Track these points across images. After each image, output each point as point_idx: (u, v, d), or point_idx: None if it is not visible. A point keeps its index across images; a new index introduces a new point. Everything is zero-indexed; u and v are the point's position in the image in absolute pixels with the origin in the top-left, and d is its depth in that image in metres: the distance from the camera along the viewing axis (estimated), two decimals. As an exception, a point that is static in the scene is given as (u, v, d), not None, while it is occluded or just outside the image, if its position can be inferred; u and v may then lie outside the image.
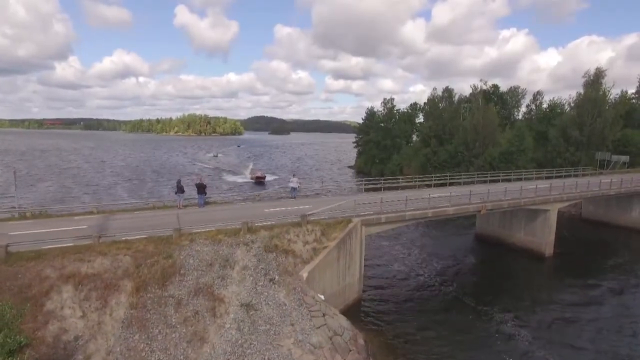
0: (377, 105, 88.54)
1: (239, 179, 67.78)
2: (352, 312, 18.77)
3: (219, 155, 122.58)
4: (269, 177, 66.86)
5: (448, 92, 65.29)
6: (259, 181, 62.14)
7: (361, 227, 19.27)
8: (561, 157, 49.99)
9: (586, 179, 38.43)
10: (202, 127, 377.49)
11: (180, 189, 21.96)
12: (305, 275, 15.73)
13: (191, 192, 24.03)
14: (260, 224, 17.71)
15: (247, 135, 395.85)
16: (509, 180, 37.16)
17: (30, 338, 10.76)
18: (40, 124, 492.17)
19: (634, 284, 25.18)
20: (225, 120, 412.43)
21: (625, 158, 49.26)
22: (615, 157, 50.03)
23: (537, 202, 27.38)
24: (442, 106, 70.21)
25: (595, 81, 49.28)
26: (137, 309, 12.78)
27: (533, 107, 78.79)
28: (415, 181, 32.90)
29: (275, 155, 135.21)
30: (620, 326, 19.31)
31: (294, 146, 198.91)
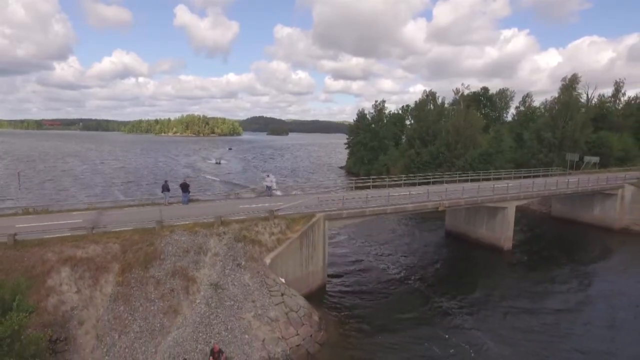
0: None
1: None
2: (316, 296, 21.40)
3: (222, 162, 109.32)
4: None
5: (432, 95, 67.92)
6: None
7: (324, 221, 21.93)
8: (535, 158, 52.69)
9: (554, 178, 41.04)
10: (200, 127, 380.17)
11: (166, 188, 24.65)
12: (268, 261, 18.42)
13: (177, 191, 26.69)
14: (233, 218, 20.40)
15: (245, 136, 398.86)
16: (488, 179, 39.61)
17: (36, 307, 13.40)
18: (39, 124, 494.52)
19: (581, 274, 27.41)
20: (223, 120, 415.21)
21: (595, 159, 51.93)
22: (587, 158, 52.69)
23: (495, 200, 30.04)
24: (429, 108, 73.01)
25: (570, 86, 52.00)
26: (122, 286, 15.44)
27: (522, 109, 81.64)
28: (401, 180, 35.55)
29: (273, 156, 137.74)
30: (562, 313, 21.33)
31: (290, 147, 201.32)
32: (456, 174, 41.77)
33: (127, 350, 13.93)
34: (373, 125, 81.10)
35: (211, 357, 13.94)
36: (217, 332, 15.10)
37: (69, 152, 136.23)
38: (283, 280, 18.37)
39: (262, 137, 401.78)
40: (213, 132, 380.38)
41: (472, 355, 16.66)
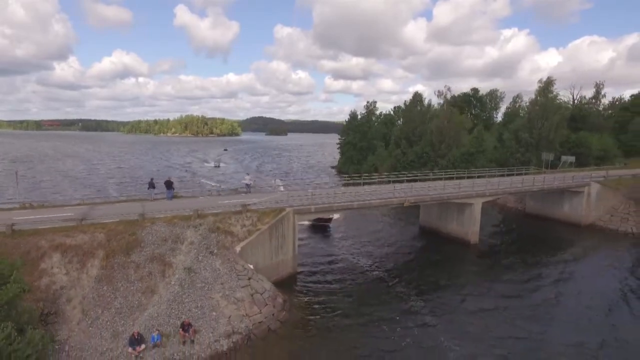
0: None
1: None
2: (286, 283, 23.62)
3: (221, 165, 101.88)
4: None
5: (418, 96, 70.16)
6: (321, 224, 36.60)
7: (293, 215, 24.14)
8: (513, 157, 54.94)
9: (520, 177, 43.22)
10: (199, 128, 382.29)
11: (152, 185, 26.91)
12: (238, 249, 20.65)
13: (163, 188, 28.88)
14: (209, 212, 22.64)
15: (244, 136, 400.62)
16: (472, 177, 41.23)
17: (30, 286, 15.63)
18: (39, 125, 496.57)
19: (542, 266, 29.19)
20: (222, 121, 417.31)
21: (571, 158, 54.13)
22: (564, 158, 54.94)
23: (460, 197, 32.23)
24: (417, 109, 75.16)
25: (545, 88, 54.24)
26: (106, 270, 17.68)
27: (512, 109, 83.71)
28: (389, 178, 37.74)
29: (270, 157, 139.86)
30: (513, 299, 23.16)
31: (288, 148, 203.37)
32: (441, 172, 43.95)
33: (108, 323, 16.15)
34: (365, 125, 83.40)
35: (181, 329, 16.17)
36: (188, 309, 17.33)
37: (67, 153, 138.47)
38: (251, 266, 20.58)
39: (261, 137, 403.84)
40: (212, 133, 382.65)
41: (417, 333, 18.72)
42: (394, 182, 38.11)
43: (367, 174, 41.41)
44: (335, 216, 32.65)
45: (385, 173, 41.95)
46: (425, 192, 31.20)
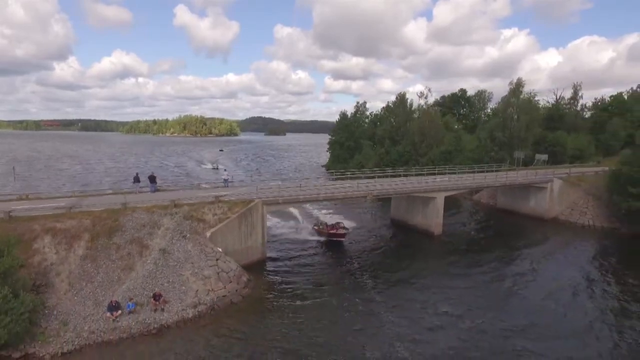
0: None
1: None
2: (255, 266, 26.34)
3: (220, 166, 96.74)
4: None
5: (401, 96, 72.91)
6: (334, 238, 32.58)
7: (262, 206, 26.94)
8: (488, 155, 57.70)
9: (497, 173, 46.02)
10: (198, 128, 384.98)
11: (137, 180, 29.74)
12: (208, 235, 23.46)
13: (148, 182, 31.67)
14: (186, 202, 25.45)
15: (242, 136, 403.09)
16: (452, 174, 44.55)
17: (24, 262, 18.44)
18: (38, 125, 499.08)
19: (500, 256, 31.34)
20: (221, 121, 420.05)
21: (544, 157, 56.89)
22: (537, 156, 57.73)
23: (422, 191, 35.02)
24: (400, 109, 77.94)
25: (516, 90, 56.99)
26: (91, 250, 20.49)
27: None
28: (375, 174, 40.60)
29: (266, 157, 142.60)
30: (469, 290, 24.64)
31: (285, 148, 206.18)
32: (423, 169, 46.92)
33: (91, 293, 18.97)
34: (354, 125, 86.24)
35: (153, 299, 18.99)
36: (161, 284, 20.14)
37: (66, 153, 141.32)
38: (220, 249, 23.37)
39: (260, 137, 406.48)
40: (210, 133, 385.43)
41: (366, 318, 20.67)
42: (378, 177, 40.99)
43: (352, 170, 44.30)
44: (348, 229, 32.99)
45: (369, 170, 44.77)
46: (388, 186, 33.97)
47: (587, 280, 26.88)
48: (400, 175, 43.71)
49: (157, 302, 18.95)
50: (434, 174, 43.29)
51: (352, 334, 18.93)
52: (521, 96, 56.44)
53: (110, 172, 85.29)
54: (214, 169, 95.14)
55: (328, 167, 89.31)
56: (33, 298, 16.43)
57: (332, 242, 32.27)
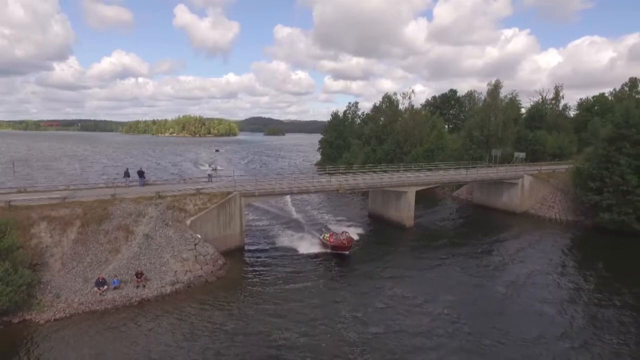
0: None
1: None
2: (234, 253, 28.91)
3: (218, 167, 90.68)
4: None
5: (387, 97, 75.59)
6: (339, 251, 30.07)
7: (240, 197, 29.55)
8: (467, 153, 60.32)
9: (474, 170, 48.66)
10: (196, 128, 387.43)
11: (127, 174, 32.35)
12: (188, 222, 26.08)
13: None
14: (170, 194, 28.07)
15: (241, 137, 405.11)
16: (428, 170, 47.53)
17: (22, 243, 21.04)
18: (38, 125, 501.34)
19: (468, 245, 33.72)
20: (219, 121, 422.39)
21: (522, 155, 59.54)
22: (516, 154, 60.32)
23: (393, 185, 37.58)
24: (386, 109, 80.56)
25: (494, 90, 59.66)
26: (82, 235, 23.11)
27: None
28: (363, 170, 43.21)
29: (261, 156, 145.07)
30: (436, 279, 26.31)
31: (282, 147, 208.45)
32: (411, 166, 49.66)
33: (81, 272, 21.59)
34: (345, 125, 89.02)
35: (135, 277, 21.60)
36: (144, 264, 22.77)
37: (65, 153, 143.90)
38: (199, 236, 25.99)
39: (258, 137, 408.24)
40: (209, 133, 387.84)
41: (332, 306, 22.81)
42: (366, 172, 43.61)
43: (343, 166, 47.16)
44: (354, 239, 30.66)
45: (357, 165, 47.68)
46: (362, 180, 36.59)
47: (549, 268, 28.50)
48: (377, 172, 46.40)
49: (139, 280, 21.57)
50: (409, 170, 45.99)
51: (312, 312, 20.99)
52: (500, 96, 59.14)
53: (107, 170, 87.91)
54: (213, 169, 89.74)
55: (319, 165, 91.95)
56: (30, 273, 19.06)
57: (338, 254, 29.40)
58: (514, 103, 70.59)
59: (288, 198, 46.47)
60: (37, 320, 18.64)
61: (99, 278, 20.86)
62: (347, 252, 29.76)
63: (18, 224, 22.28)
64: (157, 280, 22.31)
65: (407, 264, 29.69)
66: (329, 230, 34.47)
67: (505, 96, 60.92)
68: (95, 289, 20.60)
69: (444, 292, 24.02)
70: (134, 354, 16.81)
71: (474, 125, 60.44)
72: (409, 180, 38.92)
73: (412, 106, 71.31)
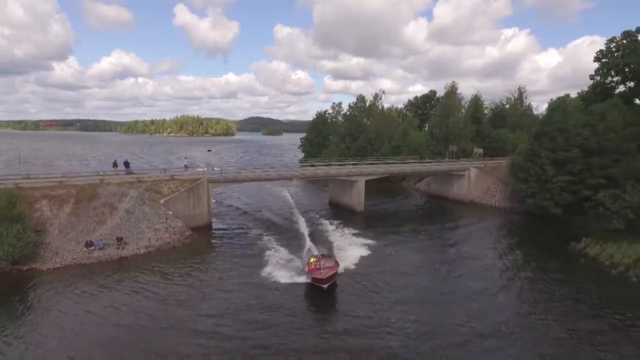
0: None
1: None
2: (202, 229, 34.98)
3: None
4: None
5: (361, 97, 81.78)
6: (322, 284, 22.60)
7: (207, 183, 35.65)
8: (428, 149, 66.42)
9: (419, 162, 54.79)
10: (194, 128, 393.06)
11: (115, 164, 38.52)
12: (162, 202, 32.24)
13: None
14: (148, 179, 34.21)
15: (238, 136, 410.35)
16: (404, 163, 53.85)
17: (28, 216, 27.12)
18: (37, 125, 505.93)
19: (409, 227, 38.70)
20: (217, 121, 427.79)
21: (480, 150, 65.64)
22: (475, 150, 66.37)
23: (343, 175, 43.70)
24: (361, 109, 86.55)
25: (451, 91, 65.79)
26: (75, 209, 29.24)
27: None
28: (339, 164, 49.15)
29: (251, 154, 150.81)
30: (379, 254, 30.25)
31: (278, 146, 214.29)
32: (380, 159, 55.69)
33: (74, 237, 27.73)
34: (328, 123, 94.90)
35: (116, 241, 27.78)
36: (124, 232, 28.92)
37: (64, 152, 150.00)
38: (171, 213, 32.11)
39: (256, 137, 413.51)
40: (207, 133, 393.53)
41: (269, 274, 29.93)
42: (329, 165, 49.88)
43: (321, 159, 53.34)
44: (335, 268, 23.83)
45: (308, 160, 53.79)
46: (319, 170, 42.73)
47: (485, 248, 32.78)
48: (335, 165, 52.68)
49: (120, 243, 27.73)
50: (360, 164, 52.60)
51: (249, 272, 27.47)
52: (457, 97, 65.24)
53: (104, 168, 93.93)
54: (189, 161, 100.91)
55: (302, 161, 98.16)
56: (35, 236, 25.21)
57: (321, 286, 22.50)
58: (477, 103, 76.97)
59: (275, 191, 52.98)
60: (40, 269, 24.80)
61: (87, 241, 27.02)
62: (325, 287, 22.36)
63: (25, 199, 28.42)
64: (133, 244, 28.47)
65: (351, 240, 34.18)
66: (314, 254, 27.03)
67: (473, 97, 66.98)
68: (85, 249, 26.74)
69: (375, 266, 27.63)
70: (110, 292, 22.92)
71: (434, 123, 66.58)
72: (359, 170, 45.00)
73: (383, 106, 77.27)
